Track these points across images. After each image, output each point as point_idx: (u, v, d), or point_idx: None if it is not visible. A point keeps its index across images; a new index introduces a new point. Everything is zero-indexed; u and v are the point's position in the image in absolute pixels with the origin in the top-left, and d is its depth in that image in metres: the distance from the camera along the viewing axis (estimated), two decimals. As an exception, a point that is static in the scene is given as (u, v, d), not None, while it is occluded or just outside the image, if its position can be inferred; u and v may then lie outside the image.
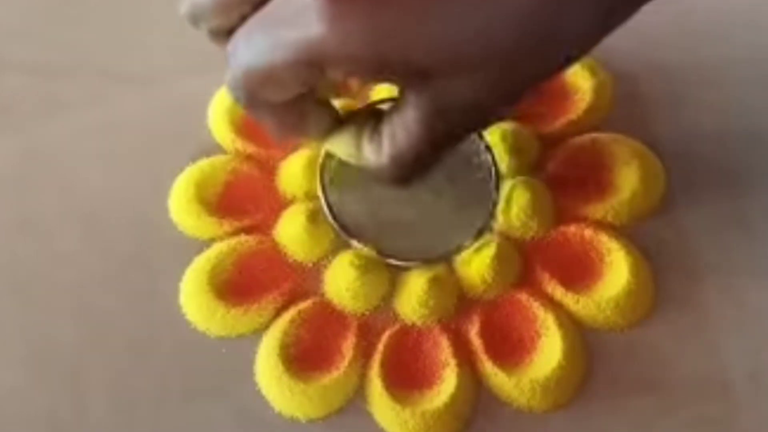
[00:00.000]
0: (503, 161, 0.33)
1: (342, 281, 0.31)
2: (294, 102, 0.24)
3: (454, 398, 0.29)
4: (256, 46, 0.23)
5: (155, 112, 0.36)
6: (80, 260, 0.32)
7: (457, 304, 0.31)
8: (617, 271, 0.31)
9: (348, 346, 0.30)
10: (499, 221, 0.32)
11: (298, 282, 0.32)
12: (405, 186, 0.27)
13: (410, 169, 0.26)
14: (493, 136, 0.34)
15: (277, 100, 0.24)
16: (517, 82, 0.24)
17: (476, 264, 0.31)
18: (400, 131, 0.25)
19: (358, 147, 0.26)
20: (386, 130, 0.25)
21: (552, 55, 0.24)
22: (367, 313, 0.31)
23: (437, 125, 0.24)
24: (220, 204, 0.33)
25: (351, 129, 0.27)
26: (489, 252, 0.31)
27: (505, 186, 0.33)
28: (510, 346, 0.30)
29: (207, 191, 0.33)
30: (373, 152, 0.26)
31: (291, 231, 0.32)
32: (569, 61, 0.24)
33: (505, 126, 0.34)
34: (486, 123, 0.27)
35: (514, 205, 0.32)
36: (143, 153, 0.35)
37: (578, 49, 0.24)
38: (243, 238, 0.32)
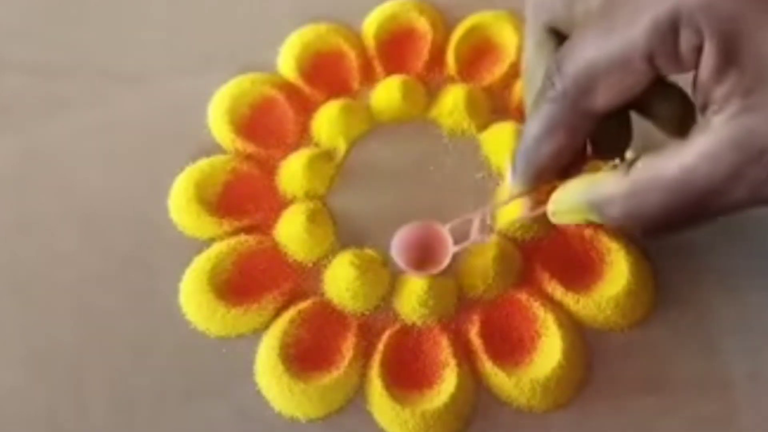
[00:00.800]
0: (503, 161, 0.33)
1: (342, 281, 0.31)
2: (600, 119, 0.25)
3: (454, 398, 0.29)
4: (600, 40, 0.23)
5: (155, 112, 0.36)
6: (80, 260, 0.32)
7: (457, 304, 0.31)
8: (617, 270, 0.31)
9: (348, 346, 0.30)
10: (499, 221, 0.32)
11: (298, 282, 0.32)
12: (653, 237, 0.26)
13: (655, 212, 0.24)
14: (494, 135, 0.34)
15: (603, 104, 0.24)
16: None
17: (476, 264, 0.31)
18: (669, 158, 0.23)
19: (599, 183, 0.25)
20: (649, 156, 0.24)
21: None
22: (367, 313, 0.31)
23: (725, 159, 0.22)
24: (220, 204, 0.33)
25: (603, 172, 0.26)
26: (489, 252, 0.31)
27: (505, 186, 0.33)
28: (510, 346, 0.30)
29: (207, 191, 0.33)
30: (614, 179, 0.24)
31: (291, 231, 0.32)
32: None
33: (506, 125, 0.34)
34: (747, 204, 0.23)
35: (514, 204, 0.32)
36: (143, 153, 0.35)
37: None
38: (243, 238, 0.32)
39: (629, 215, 0.25)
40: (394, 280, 0.31)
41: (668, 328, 0.30)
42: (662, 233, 0.25)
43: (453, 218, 0.30)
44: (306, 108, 0.35)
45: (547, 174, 0.28)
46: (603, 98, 0.24)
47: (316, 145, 0.35)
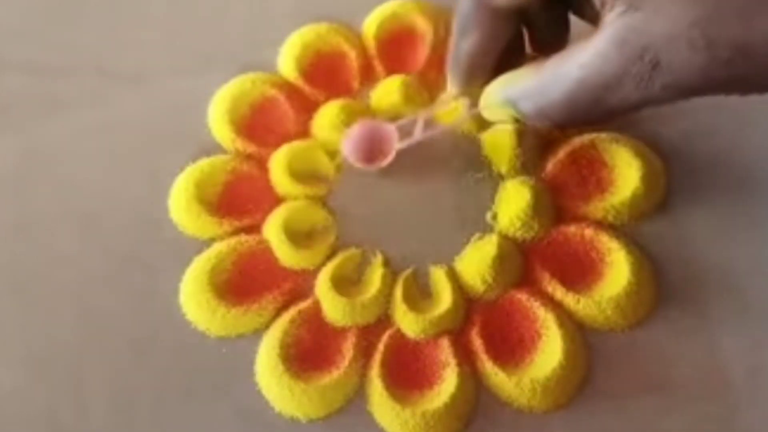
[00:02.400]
0: (503, 161, 0.33)
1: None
2: (509, 17, 0.27)
3: (454, 398, 0.28)
4: None
5: (155, 112, 0.36)
6: (80, 260, 0.32)
7: (461, 318, 0.31)
8: (618, 270, 0.31)
9: (348, 346, 0.30)
10: (499, 221, 0.32)
11: (299, 282, 0.32)
12: (560, 128, 0.28)
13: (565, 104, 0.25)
14: (494, 135, 0.34)
15: (505, 3, 0.27)
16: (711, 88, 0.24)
17: (476, 264, 0.31)
18: (576, 51, 0.24)
19: (517, 79, 0.27)
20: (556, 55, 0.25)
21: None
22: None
23: (612, 56, 0.23)
24: (220, 204, 0.33)
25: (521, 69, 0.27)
26: (489, 252, 0.31)
27: (505, 186, 0.33)
28: (510, 346, 0.30)
29: (207, 191, 0.33)
30: (528, 75, 0.26)
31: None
32: None
33: (506, 126, 0.34)
34: (633, 106, 0.25)
35: (514, 205, 0.32)
36: (143, 153, 0.35)
37: None
38: (243, 238, 0.32)
39: (538, 110, 0.26)
40: (393, 282, 0.31)
41: (669, 329, 0.30)
42: (571, 125, 0.28)
43: (455, 221, 0.31)
44: (306, 108, 0.35)
45: (478, 73, 0.29)
46: None
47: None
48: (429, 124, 0.32)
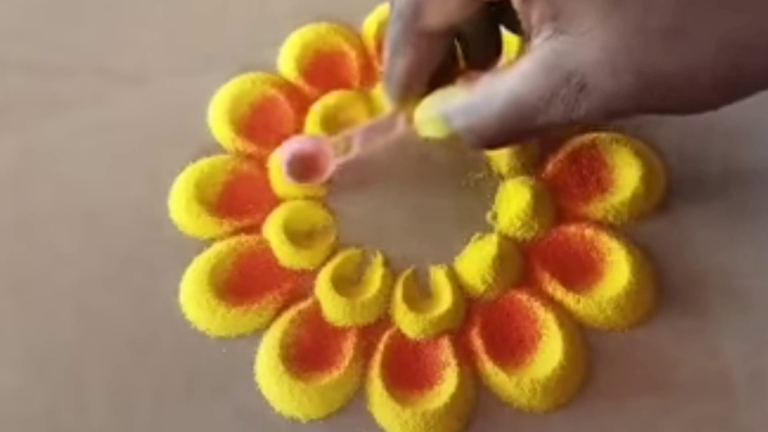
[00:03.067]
0: (503, 161, 0.33)
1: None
2: (441, 36, 0.28)
3: (454, 398, 0.28)
4: None
5: (155, 112, 0.36)
6: (80, 260, 0.32)
7: (461, 317, 0.31)
8: (618, 270, 0.31)
9: (348, 346, 0.30)
10: (499, 221, 0.32)
11: (299, 282, 0.32)
12: (489, 148, 0.28)
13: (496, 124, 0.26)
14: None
15: (435, 24, 0.27)
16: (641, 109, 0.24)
17: (476, 264, 0.31)
18: (504, 75, 0.25)
19: (451, 96, 0.28)
20: (488, 76, 0.26)
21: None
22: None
23: (539, 80, 0.24)
24: (220, 204, 0.33)
25: (450, 88, 0.28)
26: (489, 252, 0.31)
27: (505, 186, 0.33)
28: (510, 346, 0.30)
29: (207, 191, 0.33)
30: (461, 93, 0.27)
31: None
32: None
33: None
34: (563, 124, 0.25)
35: (514, 205, 0.32)
36: (143, 153, 0.35)
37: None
38: (243, 238, 0.32)
39: (469, 127, 0.27)
40: (393, 282, 0.31)
41: (669, 329, 0.30)
42: (499, 145, 0.28)
43: (455, 221, 0.32)
44: (306, 108, 0.35)
45: (412, 90, 0.30)
46: (433, 20, 0.27)
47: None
48: (366, 139, 0.32)
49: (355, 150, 0.32)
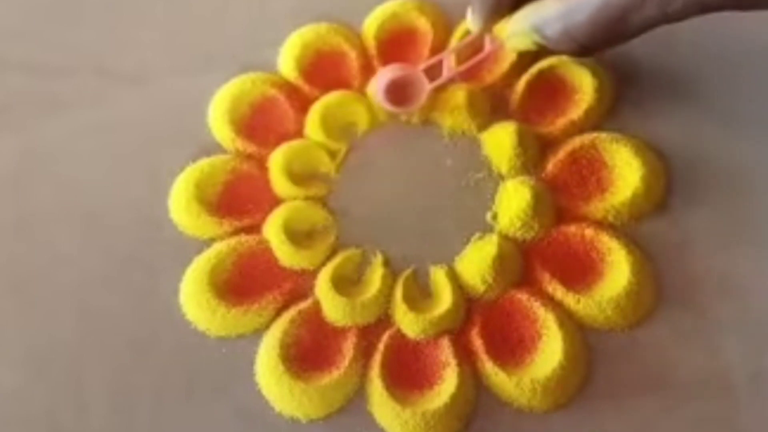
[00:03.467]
0: (503, 161, 0.33)
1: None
2: None
3: (454, 398, 0.28)
4: None
5: (155, 112, 0.36)
6: (80, 260, 0.32)
7: (462, 317, 0.31)
8: (618, 270, 0.31)
9: (348, 346, 0.30)
10: (499, 221, 0.32)
11: (299, 282, 0.32)
12: (587, 53, 0.29)
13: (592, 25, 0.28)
14: (494, 135, 0.34)
15: None
16: None
17: (476, 264, 0.31)
18: None
19: (542, 7, 0.29)
20: None
21: None
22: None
23: None
24: (220, 204, 0.33)
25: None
26: (489, 252, 0.31)
27: (505, 186, 0.33)
28: (510, 346, 0.30)
29: (207, 191, 0.33)
30: (553, 3, 0.28)
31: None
32: None
33: (506, 125, 0.34)
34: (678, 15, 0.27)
35: (514, 205, 0.32)
36: (143, 153, 0.35)
37: None
38: (243, 238, 0.32)
39: (564, 32, 0.29)
40: (393, 282, 0.31)
41: (669, 329, 0.30)
42: (594, 49, 0.29)
43: (455, 221, 0.32)
44: (306, 108, 0.35)
45: (502, 8, 0.31)
46: None
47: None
48: (457, 61, 0.34)
49: (446, 74, 0.34)
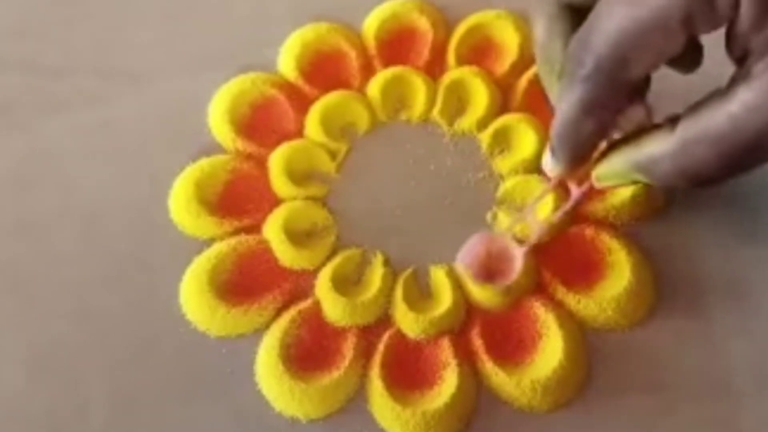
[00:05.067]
0: (503, 161, 0.33)
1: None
2: (640, 86, 0.25)
3: (454, 398, 0.28)
4: (631, 8, 0.23)
5: (155, 112, 0.36)
6: (80, 260, 0.32)
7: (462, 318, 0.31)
8: (619, 271, 0.31)
9: (348, 346, 0.30)
10: (499, 221, 0.32)
11: (299, 282, 0.32)
12: (704, 187, 0.25)
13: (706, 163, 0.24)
14: (494, 135, 0.34)
15: (637, 74, 0.24)
16: None
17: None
18: (719, 113, 0.23)
19: (640, 145, 0.25)
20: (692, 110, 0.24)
21: None
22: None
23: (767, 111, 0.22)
24: (220, 204, 0.33)
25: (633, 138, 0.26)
26: (489, 252, 0.31)
27: (505, 186, 0.33)
28: (511, 346, 0.30)
29: (207, 191, 0.33)
30: (661, 139, 0.25)
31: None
32: None
33: (506, 126, 0.34)
34: None
35: (515, 204, 0.32)
36: (143, 153, 0.35)
37: None
38: (243, 238, 0.32)
39: (681, 170, 0.25)
40: (393, 282, 0.31)
41: (669, 329, 0.30)
42: (714, 183, 0.25)
43: (455, 221, 0.32)
44: (306, 108, 0.35)
45: (591, 151, 0.27)
46: (638, 67, 0.24)
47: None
48: (535, 215, 0.30)
49: (536, 235, 0.30)
